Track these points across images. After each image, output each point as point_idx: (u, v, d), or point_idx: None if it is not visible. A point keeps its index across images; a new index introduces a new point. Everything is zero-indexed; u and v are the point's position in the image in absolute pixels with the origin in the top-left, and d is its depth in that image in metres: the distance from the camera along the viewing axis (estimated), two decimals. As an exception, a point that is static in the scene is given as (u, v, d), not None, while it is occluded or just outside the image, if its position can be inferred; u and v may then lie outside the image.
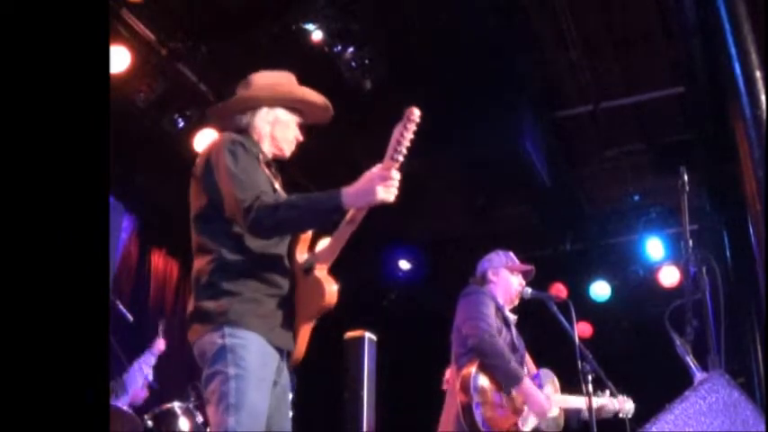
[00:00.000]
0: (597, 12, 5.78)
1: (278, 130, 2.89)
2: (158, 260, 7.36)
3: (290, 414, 2.81)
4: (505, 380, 3.83)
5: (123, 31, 5.36)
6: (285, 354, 2.71)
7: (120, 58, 5.25)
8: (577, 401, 4.36)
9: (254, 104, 2.88)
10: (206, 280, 2.61)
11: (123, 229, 6.83)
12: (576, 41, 5.94)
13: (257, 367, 2.53)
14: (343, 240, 2.64)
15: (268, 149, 2.89)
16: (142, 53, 5.49)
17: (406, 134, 2.42)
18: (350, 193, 2.48)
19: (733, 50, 3.03)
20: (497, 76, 5.95)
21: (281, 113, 2.90)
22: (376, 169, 2.48)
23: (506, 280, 4.19)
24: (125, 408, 5.45)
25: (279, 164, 2.95)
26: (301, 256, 2.74)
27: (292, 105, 2.92)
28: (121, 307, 5.34)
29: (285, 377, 2.74)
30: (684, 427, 2.50)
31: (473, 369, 3.79)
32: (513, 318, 4.19)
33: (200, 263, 2.66)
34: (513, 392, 3.86)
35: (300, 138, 2.95)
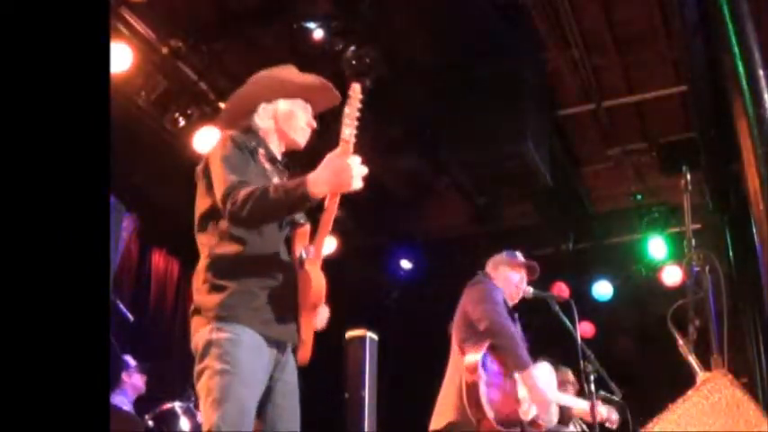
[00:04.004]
0: (599, 10, 5.77)
1: (282, 123, 2.88)
2: (158, 260, 7.37)
3: (298, 415, 2.72)
4: (514, 362, 3.86)
5: (124, 30, 5.35)
6: (289, 348, 2.69)
7: (120, 57, 5.24)
8: (571, 403, 4.38)
9: (251, 102, 2.87)
10: (202, 277, 2.64)
11: (123, 228, 6.83)
12: (577, 40, 5.92)
13: (247, 361, 2.51)
14: (326, 231, 2.68)
15: (277, 144, 2.88)
16: (143, 52, 5.48)
17: (351, 112, 2.53)
18: (316, 182, 2.48)
19: (736, 49, 3.02)
20: (499, 75, 5.94)
21: (282, 104, 2.89)
22: (334, 156, 2.51)
23: (505, 275, 4.22)
24: (126, 408, 5.45)
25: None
26: (299, 249, 2.74)
27: (293, 94, 2.89)
28: (122, 307, 5.34)
29: (290, 374, 2.70)
30: (687, 427, 2.49)
31: (483, 350, 3.81)
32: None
33: (200, 262, 2.70)
34: (517, 377, 3.88)
35: (314, 124, 2.93)
